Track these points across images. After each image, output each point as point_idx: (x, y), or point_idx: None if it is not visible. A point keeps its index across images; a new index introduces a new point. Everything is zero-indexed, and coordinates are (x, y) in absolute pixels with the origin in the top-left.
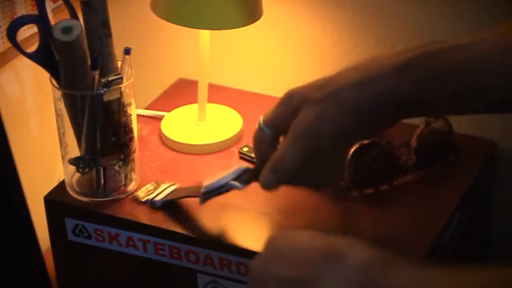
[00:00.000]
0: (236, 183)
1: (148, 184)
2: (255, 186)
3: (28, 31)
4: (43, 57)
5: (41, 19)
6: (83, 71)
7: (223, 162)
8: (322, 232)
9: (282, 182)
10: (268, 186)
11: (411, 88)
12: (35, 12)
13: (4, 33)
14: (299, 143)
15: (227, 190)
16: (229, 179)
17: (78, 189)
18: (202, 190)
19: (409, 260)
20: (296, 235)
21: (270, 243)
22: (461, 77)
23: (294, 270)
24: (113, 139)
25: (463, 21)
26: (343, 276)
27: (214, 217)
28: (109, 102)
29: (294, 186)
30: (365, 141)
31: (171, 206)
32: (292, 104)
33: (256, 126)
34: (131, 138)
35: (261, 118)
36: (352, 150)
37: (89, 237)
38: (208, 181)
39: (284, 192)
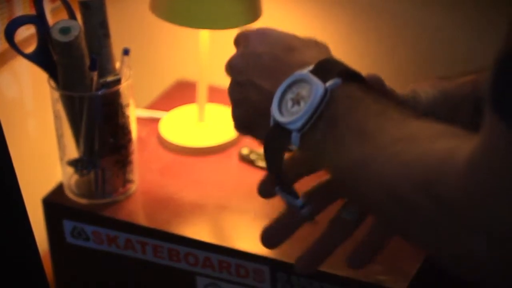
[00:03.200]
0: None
1: None
2: (254, 188)
3: (26, 32)
4: (41, 58)
5: (39, 20)
6: (82, 72)
7: (222, 164)
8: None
9: None
10: None
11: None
12: (33, 12)
13: (2, 34)
14: None
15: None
16: None
17: (76, 191)
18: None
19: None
20: (275, 39)
21: (249, 41)
22: None
23: (275, 83)
24: (112, 140)
25: (466, 22)
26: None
27: (213, 219)
28: (108, 103)
29: None
30: None
31: (170, 208)
32: None
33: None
34: (130, 140)
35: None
36: None
37: (88, 239)
38: None
39: None
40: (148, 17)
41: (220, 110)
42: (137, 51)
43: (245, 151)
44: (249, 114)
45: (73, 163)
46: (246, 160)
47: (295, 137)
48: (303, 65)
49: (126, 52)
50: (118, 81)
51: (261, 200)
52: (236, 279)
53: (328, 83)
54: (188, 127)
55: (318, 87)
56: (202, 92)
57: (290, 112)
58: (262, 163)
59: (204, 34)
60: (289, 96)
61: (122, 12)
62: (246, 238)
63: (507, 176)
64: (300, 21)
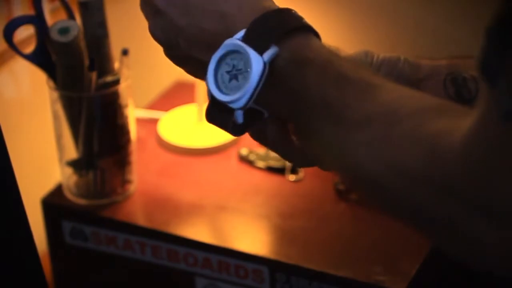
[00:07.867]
0: None
1: None
2: (253, 188)
3: (25, 32)
4: (40, 58)
5: (38, 20)
6: (80, 73)
7: (222, 164)
8: None
9: None
10: None
11: None
12: (32, 13)
13: (1, 34)
14: None
15: None
16: None
17: (75, 192)
18: None
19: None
20: (187, 3)
21: (158, 10)
22: None
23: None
24: (111, 141)
25: (465, 22)
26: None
27: (212, 220)
28: (107, 103)
29: None
30: None
31: (169, 209)
32: None
33: None
34: (129, 140)
35: None
36: None
37: (86, 239)
38: None
39: (283, 195)
40: None
41: None
42: (136, 51)
43: (244, 151)
44: (201, 77)
45: (72, 164)
46: (245, 160)
47: (238, 114)
48: (235, 31)
49: (125, 52)
50: (117, 82)
51: (260, 200)
52: (235, 279)
53: (266, 55)
54: (187, 128)
55: (256, 61)
56: (201, 92)
57: (228, 88)
58: (262, 164)
59: None
60: (224, 68)
61: (121, 12)
62: (246, 238)
63: (506, 150)
64: None
